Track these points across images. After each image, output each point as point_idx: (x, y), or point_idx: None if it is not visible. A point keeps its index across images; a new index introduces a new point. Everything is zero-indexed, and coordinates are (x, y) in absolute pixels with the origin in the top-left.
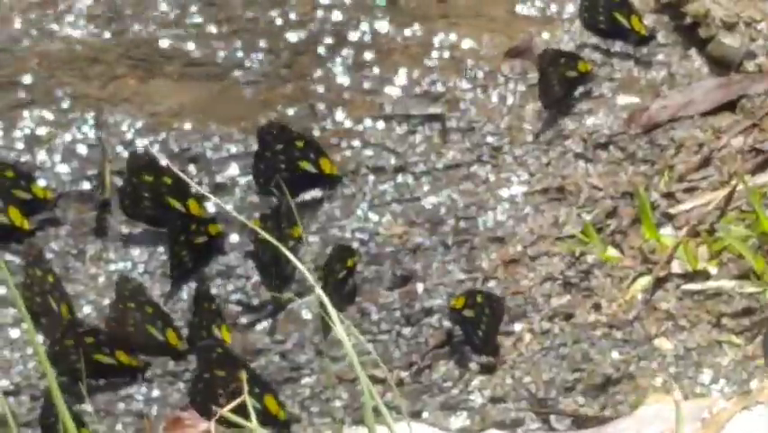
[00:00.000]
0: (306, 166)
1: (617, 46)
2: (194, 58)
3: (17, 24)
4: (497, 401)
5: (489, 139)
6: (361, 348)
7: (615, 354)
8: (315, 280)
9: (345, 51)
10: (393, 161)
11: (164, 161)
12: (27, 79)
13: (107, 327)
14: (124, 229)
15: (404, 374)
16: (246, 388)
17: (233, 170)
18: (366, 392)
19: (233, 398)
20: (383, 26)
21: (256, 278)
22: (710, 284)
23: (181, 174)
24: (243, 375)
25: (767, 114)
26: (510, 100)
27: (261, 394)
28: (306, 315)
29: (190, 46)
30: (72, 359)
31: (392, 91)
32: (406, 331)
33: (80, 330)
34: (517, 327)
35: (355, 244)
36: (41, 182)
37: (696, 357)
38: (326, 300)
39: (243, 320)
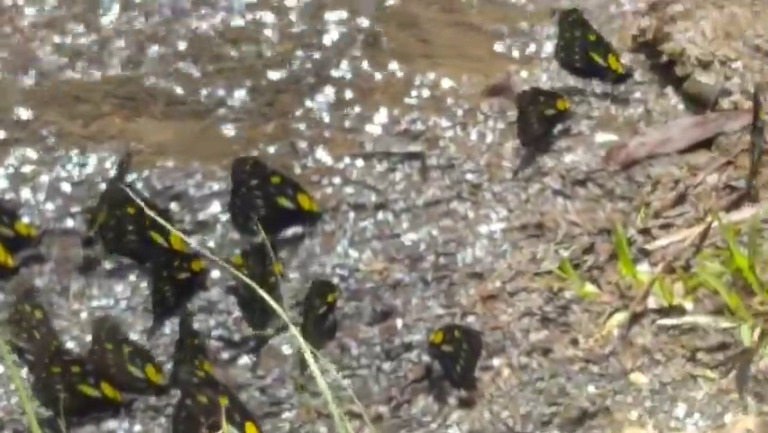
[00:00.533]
0: (284, 202)
1: (595, 84)
2: (177, 96)
3: (3, 63)
4: None
5: (469, 176)
6: (339, 383)
7: (591, 389)
8: (292, 317)
9: (326, 90)
10: (373, 198)
11: (141, 201)
12: (12, 118)
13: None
14: (108, 265)
15: (383, 409)
16: (225, 415)
17: (215, 207)
18: (340, 426)
19: (214, 428)
20: (364, 65)
21: (237, 313)
22: (686, 319)
23: (158, 218)
24: (224, 401)
25: (742, 151)
26: (489, 138)
27: (242, 422)
28: (287, 350)
29: (174, 85)
30: (56, 389)
31: (373, 129)
32: (386, 366)
33: (67, 358)
34: (496, 361)
35: (336, 280)
36: (25, 219)
37: (671, 391)
38: (300, 339)
39: (225, 355)
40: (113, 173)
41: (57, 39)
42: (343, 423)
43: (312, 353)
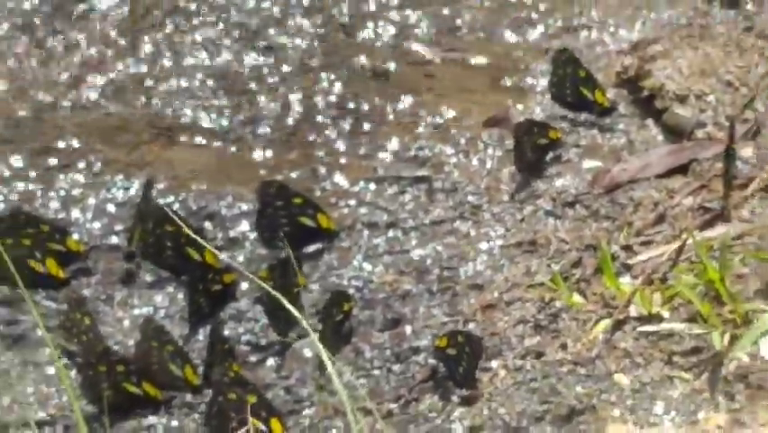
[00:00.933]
0: (306, 221)
1: (583, 116)
2: (210, 127)
3: (56, 96)
4: (475, 430)
5: (470, 198)
6: (354, 383)
7: (579, 388)
8: (312, 324)
9: (344, 121)
10: (385, 217)
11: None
12: (63, 146)
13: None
14: (148, 278)
15: (393, 406)
16: (253, 411)
17: (245, 226)
18: (353, 421)
19: (242, 423)
20: (377, 99)
21: (264, 321)
22: (663, 326)
23: (192, 233)
24: (252, 398)
25: (715, 176)
26: (489, 164)
27: (268, 417)
28: (308, 354)
29: (207, 116)
30: (103, 387)
31: (385, 156)
32: (396, 367)
33: (113, 358)
34: (494, 363)
35: (351, 291)
36: (75, 236)
37: (650, 391)
38: (319, 344)
39: (253, 358)
40: (140, 195)
41: (101, 77)
42: (357, 419)
43: (329, 356)
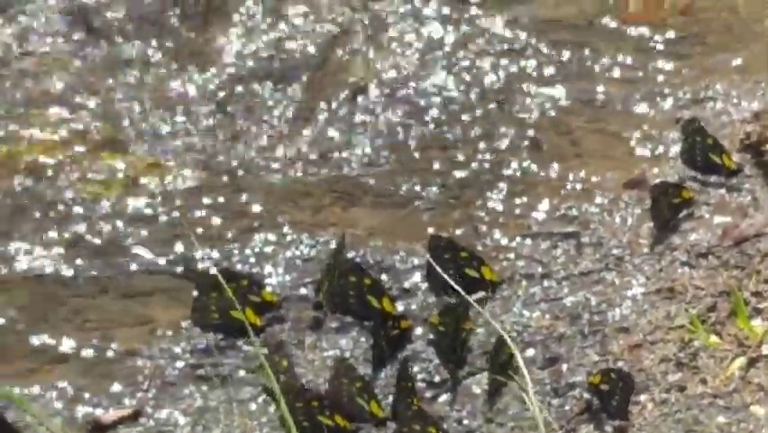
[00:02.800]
0: (471, 273)
1: (712, 178)
2: (383, 190)
3: (247, 165)
4: None
5: (614, 251)
6: (524, 415)
7: (720, 419)
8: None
9: (500, 185)
10: (540, 269)
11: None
12: (256, 209)
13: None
14: (334, 324)
15: None
16: None
17: (417, 277)
18: None
19: None
20: (529, 164)
21: (437, 361)
22: None
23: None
24: (433, 430)
25: None
26: (629, 221)
27: None
28: (477, 390)
29: (380, 181)
30: (299, 419)
31: (537, 215)
32: (555, 402)
33: (308, 395)
34: (642, 397)
35: (513, 335)
36: (269, 289)
37: None
38: (528, 384)
39: (428, 394)
40: (333, 251)
41: (286, 148)
42: None
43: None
